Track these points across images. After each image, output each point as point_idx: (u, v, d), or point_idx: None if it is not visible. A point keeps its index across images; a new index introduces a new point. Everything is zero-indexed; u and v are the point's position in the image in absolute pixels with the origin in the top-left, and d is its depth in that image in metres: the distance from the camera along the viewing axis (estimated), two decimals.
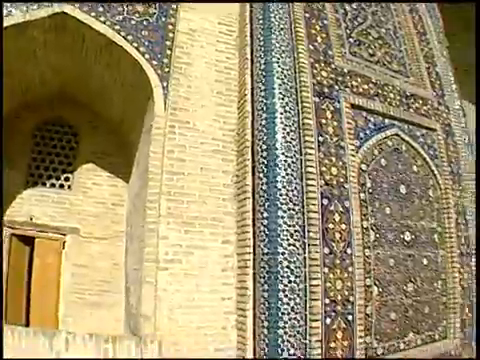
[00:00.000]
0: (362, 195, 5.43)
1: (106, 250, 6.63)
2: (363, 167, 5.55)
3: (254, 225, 4.98)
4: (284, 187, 4.85)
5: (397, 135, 6.02)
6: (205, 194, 5.18)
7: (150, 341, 4.69)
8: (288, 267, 4.65)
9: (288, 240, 4.71)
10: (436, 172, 6.25)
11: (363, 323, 5.08)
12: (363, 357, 5.01)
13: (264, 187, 4.92)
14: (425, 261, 5.89)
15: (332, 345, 4.80)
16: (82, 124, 6.83)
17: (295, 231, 4.77)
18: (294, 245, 4.73)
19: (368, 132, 5.72)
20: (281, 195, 4.82)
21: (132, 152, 6.54)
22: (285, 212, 4.78)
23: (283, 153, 4.95)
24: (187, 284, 4.92)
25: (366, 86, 5.89)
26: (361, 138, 5.62)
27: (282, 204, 4.79)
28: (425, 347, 5.73)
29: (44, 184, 6.74)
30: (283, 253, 4.67)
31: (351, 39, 6.20)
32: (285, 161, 4.93)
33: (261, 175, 4.98)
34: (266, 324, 4.64)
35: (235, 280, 5.13)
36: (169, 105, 5.29)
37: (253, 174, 5.11)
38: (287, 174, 4.90)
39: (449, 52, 7.76)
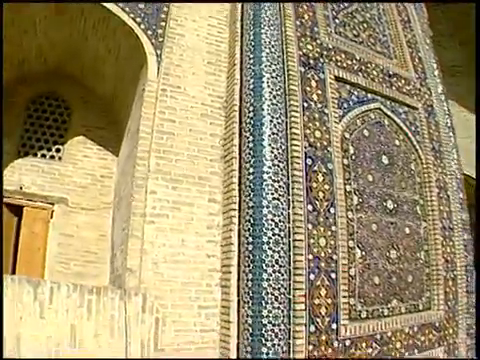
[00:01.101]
0: (345, 161, 5.82)
1: (93, 221, 6.91)
2: (346, 135, 5.97)
3: (240, 184, 5.32)
4: (269, 145, 5.21)
5: (379, 109, 6.48)
6: (193, 154, 5.54)
7: (134, 294, 4.95)
8: (272, 220, 4.96)
9: (273, 194, 5.04)
10: (418, 147, 6.70)
11: (347, 283, 5.38)
12: (347, 318, 5.30)
13: (251, 145, 5.29)
14: (407, 230, 6.26)
15: (316, 302, 5.07)
16: (75, 99, 7.24)
17: (279, 186, 5.10)
18: (278, 200, 5.05)
19: (351, 103, 6.16)
20: (267, 152, 5.17)
21: (122, 126, 6.94)
22: (270, 168, 5.13)
23: (269, 114, 5.34)
24: (173, 239, 5.20)
25: (350, 62, 6.38)
26: (344, 108, 6.05)
27: (267, 160, 5.15)
28: (409, 316, 6.04)
29: (35, 155, 7.11)
30: (268, 206, 4.99)
31: (337, 20, 6.72)
32: (271, 121, 5.32)
33: (248, 134, 5.36)
34: (250, 277, 4.90)
35: (220, 238, 5.43)
36: (162, 71, 5.73)
37: (240, 136, 5.49)
38: (273, 133, 5.27)
39: (436, 53, 8.27)
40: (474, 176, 12.54)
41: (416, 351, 6.01)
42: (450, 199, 6.85)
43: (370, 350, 5.50)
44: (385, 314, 5.80)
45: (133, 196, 5.24)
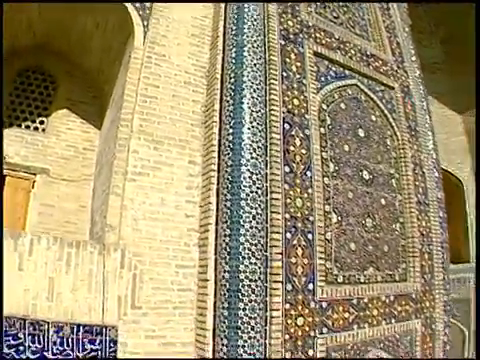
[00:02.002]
0: (322, 130, 6.19)
1: (73, 192, 7.14)
2: (323, 106, 6.37)
3: (219, 146, 5.64)
4: (249, 108, 5.57)
5: (356, 86, 6.92)
6: (175, 118, 5.87)
7: (113, 249, 5.16)
8: (250, 178, 5.28)
9: (251, 154, 5.37)
10: (393, 124, 7.13)
11: (323, 246, 5.69)
12: (323, 280, 5.56)
13: (231, 108, 5.64)
14: (383, 201, 6.62)
15: (293, 260, 5.36)
16: (61, 73, 7.58)
17: (258, 147, 5.44)
18: (256, 159, 5.38)
19: (329, 78, 6.59)
20: (246, 115, 5.52)
21: (106, 100, 7.27)
22: (249, 129, 5.47)
23: (250, 80, 5.71)
24: (153, 197, 5.46)
25: (329, 40, 6.83)
26: (322, 81, 6.47)
27: (246, 122, 5.50)
28: (385, 285, 6.35)
29: (19, 126, 7.36)
30: (246, 165, 5.31)
31: (318, 2, 7.17)
32: (251, 87, 5.68)
33: (228, 98, 5.72)
34: (228, 232, 5.18)
35: (199, 199, 5.70)
36: (148, 40, 6.11)
37: (221, 101, 5.84)
38: (252, 98, 5.64)
39: (417, 50, 8.72)
40: (451, 170, 13.11)
41: (393, 320, 6.33)
42: (426, 176, 7.25)
43: (347, 314, 5.80)
44: (361, 281, 6.09)
45: (115, 155, 5.52)
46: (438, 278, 7.02)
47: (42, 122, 7.54)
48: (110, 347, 4.94)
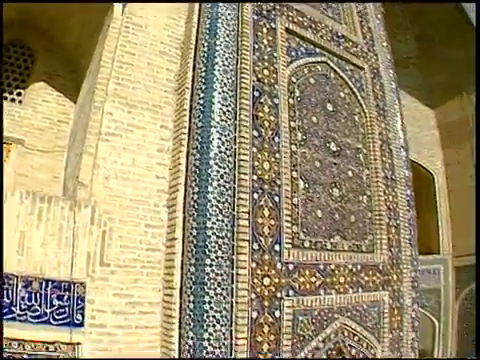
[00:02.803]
0: (291, 100, 6.48)
1: (47, 163, 7.30)
2: (293, 79, 6.66)
3: (191, 111, 5.87)
4: (220, 74, 5.85)
5: (326, 63, 7.23)
6: (149, 84, 6.12)
7: (84, 206, 5.32)
8: (219, 139, 5.54)
9: (220, 117, 5.64)
10: (362, 102, 7.46)
11: (290, 209, 5.91)
12: (290, 242, 5.76)
13: (203, 74, 5.91)
14: (350, 173, 6.90)
15: (259, 221, 5.57)
16: (40, 47, 7.81)
17: (227, 111, 5.72)
18: (226, 122, 5.65)
19: (299, 53, 6.89)
20: (217, 80, 5.78)
21: (83, 74, 7.46)
22: (220, 94, 5.75)
23: (222, 49, 6.02)
24: (125, 158, 5.67)
25: (300, 18, 7.13)
26: (293, 56, 6.76)
27: (217, 87, 5.76)
28: (352, 254, 6.60)
29: None
30: (215, 126, 5.57)
31: None
32: (223, 55, 5.98)
33: (201, 65, 6.01)
34: (196, 190, 5.41)
35: (169, 162, 5.89)
36: (126, 12, 6.35)
37: (194, 69, 6.10)
38: (224, 65, 5.93)
39: (391, 44, 9.06)
40: (422, 163, 13.49)
41: (360, 290, 6.56)
42: (393, 154, 7.57)
43: (313, 279, 6.00)
44: (328, 248, 6.33)
45: (90, 117, 5.74)
46: (405, 253, 7.29)
47: (19, 94, 7.72)
48: (78, 304, 5.06)
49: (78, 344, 4.94)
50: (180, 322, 5.17)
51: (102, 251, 5.25)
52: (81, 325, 4.98)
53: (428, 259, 13.84)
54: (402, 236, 7.29)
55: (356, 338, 6.41)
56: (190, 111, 5.87)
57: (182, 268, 5.29)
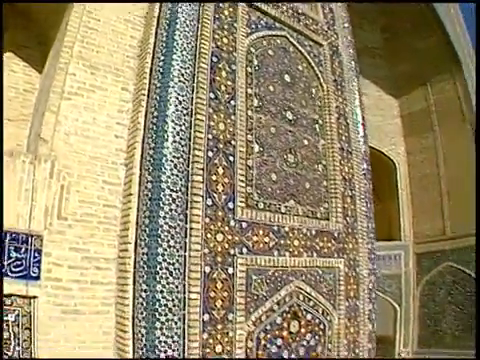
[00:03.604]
0: (249, 69, 6.75)
1: (12, 131, 7.34)
2: (252, 49, 6.94)
3: (151, 73, 6.08)
4: (180, 39, 6.10)
5: (285, 37, 7.51)
6: (113, 49, 6.34)
7: (44, 160, 5.45)
8: (177, 98, 5.78)
9: (179, 78, 5.89)
10: (320, 76, 7.75)
11: (244, 170, 6.14)
12: (243, 202, 5.96)
13: (164, 39, 6.17)
14: (306, 142, 7.15)
15: (213, 178, 5.80)
16: (9, 19, 7.79)
17: (186, 73, 5.97)
18: (184, 83, 5.90)
19: (259, 26, 7.17)
20: (177, 45, 6.03)
21: (50, 46, 7.49)
22: (179, 57, 5.99)
23: (183, 16, 6.26)
24: (86, 116, 5.87)
25: None
26: (253, 28, 7.05)
27: (177, 51, 6.01)
28: (307, 219, 6.81)
29: None
30: (173, 86, 5.81)
31: None
32: (184, 22, 6.25)
33: (163, 31, 6.26)
34: (152, 145, 5.64)
35: (129, 122, 6.08)
36: None
37: (156, 35, 6.31)
38: (184, 31, 6.19)
39: (357, 34, 9.37)
40: (384, 151, 13.84)
41: (315, 254, 6.78)
42: (349, 127, 7.88)
43: (267, 239, 6.21)
44: (282, 211, 6.54)
45: (55, 77, 5.90)
46: (362, 224, 7.58)
47: None
48: (34, 257, 5.18)
49: (34, 298, 5.06)
50: (134, 277, 5.29)
51: (60, 205, 5.40)
52: (37, 278, 5.10)
53: (389, 245, 14.18)
54: (358, 207, 7.56)
55: (311, 303, 6.62)
56: (150, 74, 6.08)
57: (137, 223, 5.45)
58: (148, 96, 5.95)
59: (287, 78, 7.22)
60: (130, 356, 5.12)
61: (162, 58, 5.97)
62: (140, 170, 5.64)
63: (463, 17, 15.01)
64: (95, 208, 5.60)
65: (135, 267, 5.32)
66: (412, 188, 14.31)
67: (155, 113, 5.70)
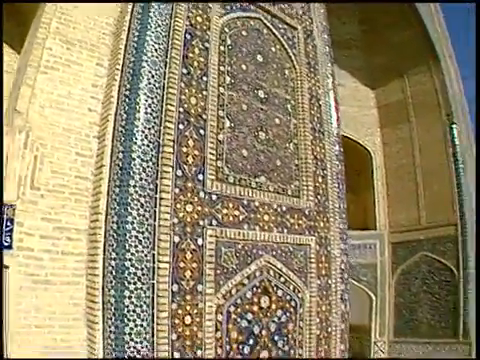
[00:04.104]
0: (222, 47, 6.93)
1: None
2: (225, 29, 7.12)
3: (126, 48, 6.22)
4: (155, 17, 6.28)
5: (260, 19, 7.68)
6: (89, 26, 6.49)
7: (19, 131, 5.53)
8: (150, 72, 5.96)
9: (152, 53, 6.08)
10: (293, 58, 7.93)
11: (214, 144, 6.29)
12: (213, 174, 6.10)
13: (139, 16, 6.34)
14: (277, 121, 7.32)
15: (184, 150, 5.97)
16: None
17: (159, 48, 6.14)
18: (157, 58, 6.08)
19: (234, 8, 7.35)
20: (152, 22, 6.20)
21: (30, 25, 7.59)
22: (153, 33, 6.18)
23: None
24: (61, 90, 5.99)
25: None
26: (227, 9, 7.23)
27: (151, 28, 6.14)
28: (278, 196, 6.95)
29: None
30: (147, 61, 5.98)
31: None
32: (159, 0, 6.34)
33: (138, 9, 6.40)
34: (124, 117, 5.79)
35: (102, 96, 6.20)
36: None
37: (131, 14, 6.44)
38: (159, 11, 6.38)
39: (334, 26, 9.57)
40: (360, 141, 14.07)
41: (286, 231, 6.92)
42: (322, 108, 8.05)
43: (237, 212, 6.35)
44: (253, 186, 6.69)
45: (32, 52, 6.01)
46: (333, 204, 7.77)
47: None
48: (7, 226, 5.24)
49: (6, 267, 5.13)
50: (105, 247, 5.40)
51: (33, 175, 5.52)
52: (9, 247, 5.18)
53: (364, 234, 14.47)
54: (329, 186, 7.75)
55: (282, 279, 6.77)
56: (125, 50, 6.21)
57: (108, 194, 5.57)
58: (122, 71, 6.09)
59: (260, 58, 7.40)
60: (99, 327, 5.22)
61: (136, 34, 6.13)
62: (112, 142, 5.76)
63: (444, 17, 15.43)
64: (67, 179, 5.72)
65: (105, 237, 5.43)
66: (388, 178, 14.65)
67: (128, 86, 5.86)
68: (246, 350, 6.16)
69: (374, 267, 14.22)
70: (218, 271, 5.93)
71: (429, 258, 13.49)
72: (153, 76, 5.87)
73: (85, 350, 5.37)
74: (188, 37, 6.38)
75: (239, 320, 6.13)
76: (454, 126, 13.22)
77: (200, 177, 5.95)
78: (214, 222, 5.98)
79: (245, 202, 6.41)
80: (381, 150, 14.82)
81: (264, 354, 6.37)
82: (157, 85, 5.87)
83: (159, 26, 6.17)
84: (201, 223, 5.85)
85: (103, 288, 5.27)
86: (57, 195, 5.60)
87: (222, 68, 6.74)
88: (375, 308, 14.09)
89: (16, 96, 6.05)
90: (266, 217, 6.63)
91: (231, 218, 6.20)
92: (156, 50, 6.01)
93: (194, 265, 5.68)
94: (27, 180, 5.43)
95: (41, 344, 5.15)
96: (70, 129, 5.88)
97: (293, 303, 6.84)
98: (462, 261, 12.78)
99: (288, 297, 6.78)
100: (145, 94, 5.74)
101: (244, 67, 7.09)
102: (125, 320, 5.10)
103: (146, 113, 5.67)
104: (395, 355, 13.57)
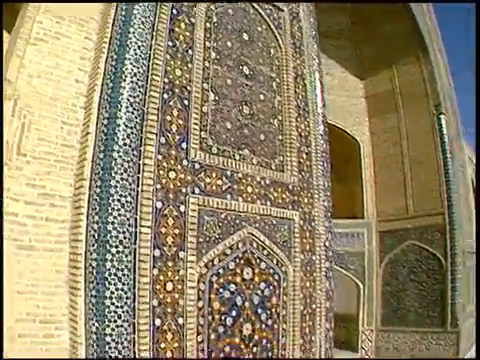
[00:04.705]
0: (208, 24, 7.10)
1: None
2: (212, 7, 7.29)
3: (113, 23, 6.35)
4: None
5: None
6: (79, 3, 6.57)
7: (8, 99, 5.68)
8: (136, 43, 6.08)
9: (139, 26, 6.18)
10: (278, 38, 8.12)
11: (198, 115, 6.45)
12: (197, 144, 6.25)
13: None
14: (262, 97, 7.51)
15: (168, 118, 6.14)
16: None
17: (146, 22, 6.26)
18: (143, 30, 6.22)
19: None
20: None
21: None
22: (139, 7, 6.27)
23: None
24: (49, 61, 6.13)
25: None
26: None
27: (138, 2, 6.28)
28: (261, 169, 7.11)
29: None
30: (133, 33, 6.13)
31: None
32: None
33: None
34: (111, 85, 5.90)
35: (90, 68, 6.35)
36: None
37: None
38: None
39: (324, 16, 9.76)
40: (349, 131, 14.23)
41: (269, 203, 7.05)
42: (307, 87, 8.22)
43: (220, 182, 6.50)
44: (237, 158, 6.84)
45: (23, 25, 6.15)
46: (317, 181, 7.92)
47: None
48: None
49: None
50: (88, 213, 5.51)
51: (20, 141, 5.64)
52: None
53: (352, 223, 14.64)
54: (314, 163, 7.90)
55: (265, 252, 6.90)
56: (113, 25, 6.34)
57: (93, 160, 5.70)
58: (110, 44, 6.22)
59: (245, 36, 7.57)
60: (81, 294, 5.31)
61: (124, 8, 6.26)
62: (98, 111, 5.91)
63: (441, 17, 15.81)
64: (53, 147, 5.84)
65: (89, 202, 5.54)
66: (376, 167, 14.87)
67: (115, 56, 6.00)
68: (229, 321, 6.27)
69: (362, 256, 14.39)
70: (200, 239, 6.06)
71: (417, 247, 13.68)
72: (139, 47, 6.02)
73: (66, 318, 5.45)
74: (175, 12, 6.55)
75: (221, 290, 6.24)
76: (442, 116, 13.50)
77: (183, 145, 6.10)
78: (197, 190, 6.12)
79: (228, 173, 6.56)
80: (369, 139, 15.07)
81: (247, 326, 6.48)
82: (143, 55, 6.01)
83: (145, 1, 6.31)
84: (184, 190, 5.98)
85: (86, 254, 5.37)
86: (43, 162, 5.71)
87: (207, 43, 6.91)
88: (363, 297, 14.21)
89: (6, 66, 6.23)
90: (249, 189, 6.77)
91: (214, 187, 6.34)
92: (143, 23, 6.16)
93: (176, 231, 5.80)
94: (14, 146, 5.55)
95: (23, 311, 5.23)
96: (57, 98, 6.01)
97: (276, 276, 6.96)
98: (449, 250, 13.00)
99: (271, 270, 6.91)
100: (131, 64, 5.88)
101: (229, 44, 7.26)
102: (106, 284, 5.18)
103: (132, 82, 5.81)
104: (382, 344, 13.73)
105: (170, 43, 6.35)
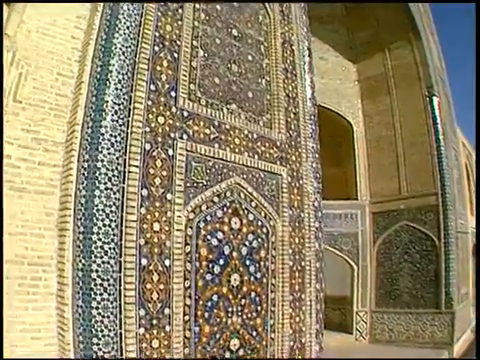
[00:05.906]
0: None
1: None
2: None
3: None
4: None
5: None
6: None
7: (6, 50, 6.09)
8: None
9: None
10: (267, 6, 8.43)
11: (188, 69, 6.80)
12: (186, 93, 6.59)
13: None
14: (250, 57, 7.88)
15: (158, 68, 6.44)
16: None
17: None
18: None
19: None
20: None
21: None
22: None
23: None
24: (47, 18, 6.41)
25: None
26: None
27: None
28: (249, 123, 7.42)
29: None
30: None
31: None
32: None
33: None
34: (105, 37, 6.30)
35: (86, 26, 6.67)
36: None
37: None
38: None
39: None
40: (342, 113, 14.47)
41: (256, 157, 7.34)
42: (295, 53, 8.56)
43: (208, 131, 6.82)
44: (225, 113, 7.17)
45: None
46: (306, 141, 8.21)
47: None
48: None
49: None
50: (79, 155, 5.81)
51: (16, 89, 5.99)
52: None
53: (346, 204, 14.85)
54: (302, 123, 8.22)
55: (253, 204, 7.17)
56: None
57: (85, 106, 6.04)
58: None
59: (234, 3, 7.94)
60: (70, 234, 5.55)
61: None
62: (92, 62, 6.27)
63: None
64: (48, 95, 6.18)
65: (80, 145, 5.87)
66: (369, 149, 15.18)
67: (109, 12, 6.38)
68: (216, 270, 6.51)
69: (355, 237, 14.61)
70: (188, 184, 6.36)
71: (410, 227, 13.93)
72: (132, 4, 6.39)
73: (55, 262, 5.67)
74: None
75: (209, 237, 6.50)
76: (434, 98, 13.82)
77: (173, 94, 6.46)
78: (185, 136, 6.44)
79: (216, 123, 6.89)
80: (362, 122, 15.45)
81: (235, 277, 6.72)
82: (135, 12, 6.38)
83: None
84: (172, 135, 6.31)
85: (75, 195, 5.66)
86: (37, 109, 6.05)
87: (197, 6, 7.28)
88: (357, 278, 14.34)
89: (6, 26, 6.61)
90: (237, 140, 7.09)
91: (202, 135, 6.67)
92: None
93: (164, 173, 6.11)
94: (11, 93, 5.92)
95: (12, 252, 5.44)
96: (53, 52, 6.37)
97: (265, 229, 7.24)
98: (443, 230, 13.24)
99: (259, 223, 7.18)
100: (124, 18, 6.26)
101: (218, 8, 7.63)
102: (94, 219, 5.47)
103: (124, 34, 6.20)
104: (377, 325, 13.74)
105: (162, 2, 6.72)
